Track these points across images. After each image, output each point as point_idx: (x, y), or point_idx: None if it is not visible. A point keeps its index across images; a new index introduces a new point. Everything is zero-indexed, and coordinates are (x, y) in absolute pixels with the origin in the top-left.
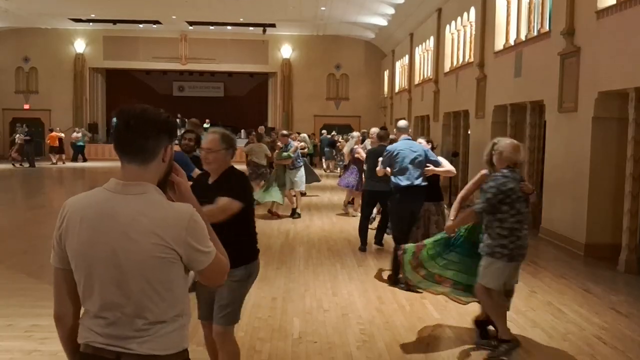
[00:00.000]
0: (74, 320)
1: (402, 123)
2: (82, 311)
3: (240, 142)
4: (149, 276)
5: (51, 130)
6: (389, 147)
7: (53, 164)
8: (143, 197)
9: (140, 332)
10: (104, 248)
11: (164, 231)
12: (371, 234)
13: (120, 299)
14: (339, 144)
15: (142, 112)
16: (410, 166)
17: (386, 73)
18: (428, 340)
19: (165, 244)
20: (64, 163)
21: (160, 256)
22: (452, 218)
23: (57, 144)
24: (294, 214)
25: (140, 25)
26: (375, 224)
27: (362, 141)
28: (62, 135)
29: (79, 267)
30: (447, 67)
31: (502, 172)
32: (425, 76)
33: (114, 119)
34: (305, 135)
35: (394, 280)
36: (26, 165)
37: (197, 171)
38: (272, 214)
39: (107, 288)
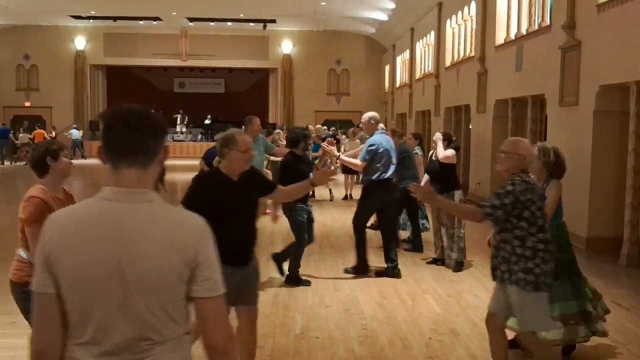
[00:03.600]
0: (60, 355)
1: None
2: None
3: None
4: (159, 294)
5: (54, 128)
6: (375, 142)
7: None
8: (151, 205)
9: (144, 352)
10: (109, 264)
11: (177, 243)
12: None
13: (121, 321)
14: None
15: (141, 111)
16: (393, 160)
17: (387, 68)
18: (430, 335)
19: (179, 257)
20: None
21: (174, 271)
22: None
23: None
24: None
25: (141, 22)
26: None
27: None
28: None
29: (74, 289)
30: (448, 62)
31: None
32: (426, 71)
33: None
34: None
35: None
36: None
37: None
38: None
39: (107, 310)
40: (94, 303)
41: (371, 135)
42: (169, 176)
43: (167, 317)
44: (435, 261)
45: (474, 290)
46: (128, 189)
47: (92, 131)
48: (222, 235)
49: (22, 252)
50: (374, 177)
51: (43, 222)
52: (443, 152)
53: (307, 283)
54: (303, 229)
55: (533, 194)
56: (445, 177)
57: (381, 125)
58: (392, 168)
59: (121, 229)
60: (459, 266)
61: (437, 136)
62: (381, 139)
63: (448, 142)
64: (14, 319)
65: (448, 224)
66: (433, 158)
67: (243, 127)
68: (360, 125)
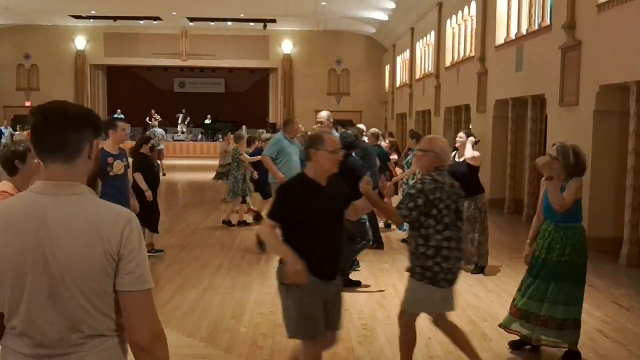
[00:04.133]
0: None
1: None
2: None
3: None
4: (82, 286)
5: None
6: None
7: None
8: (77, 198)
9: (77, 347)
10: (34, 255)
11: (100, 236)
12: None
13: (51, 312)
14: None
15: (62, 106)
16: None
17: (387, 68)
18: (430, 335)
19: (102, 250)
20: None
21: (97, 264)
22: (528, 241)
23: None
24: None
25: (141, 22)
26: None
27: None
28: None
29: (5, 279)
30: (448, 62)
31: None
32: (427, 71)
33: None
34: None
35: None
36: None
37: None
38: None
39: (36, 300)
40: (22, 294)
41: None
42: (169, 176)
43: (95, 310)
44: None
45: (474, 290)
46: (56, 182)
47: None
48: (310, 246)
49: None
50: None
51: None
52: (472, 153)
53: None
54: (367, 229)
55: (442, 192)
56: (475, 179)
57: (361, 126)
58: None
59: (46, 221)
60: (478, 270)
61: (468, 139)
62: None
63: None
64: None
65: (468, 228)
66: (457, 160)
67: (282, 128)
68: (318, 125)
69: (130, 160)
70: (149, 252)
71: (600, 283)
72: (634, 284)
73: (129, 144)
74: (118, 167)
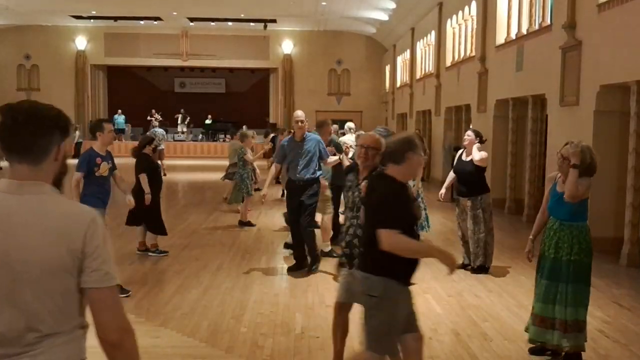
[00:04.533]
0: None
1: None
2: None
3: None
4: (47, 285)
5: None
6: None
7: None
8: (41, 197)
9: (31, 345)
10: None
11: (64, 234)
12: None
13: (10, 310)
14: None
15: (32, 107)
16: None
17: (387, 68)
18: (430, 335)
19: (66, 248)
20: None
21: (61, 262)
22: (531, 237)
23: None
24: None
25: (141, 22)
26: None
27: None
28: None
29: None
30: (448, 62)
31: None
32: (427, 71)
33: None
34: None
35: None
36: None
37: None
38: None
39: None
40: None
41: (304, 135)
42: (169, 176)
43: (56, 309)
44: (464, 266)
45: (474, 290)
46: (20, 181)
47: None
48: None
49: None
50: (319, 175)
51: None
52: (480, 154)
53: None
54: None
55: None
56: (481, 178)
57: (351, 124)
58: None
59: (10, 220)
60: (478, 270)
61: (475, 145)
62: None
63: (479, 140)
64: None
65: (473, 229)
66: (463, 159)
67: (315, 129)
68: (300, 124)
69: (123, 160)
70: (152, 252)
71: (600, 283)
72: (635, 283)
73: (130, 144)
74: (104, 169)
